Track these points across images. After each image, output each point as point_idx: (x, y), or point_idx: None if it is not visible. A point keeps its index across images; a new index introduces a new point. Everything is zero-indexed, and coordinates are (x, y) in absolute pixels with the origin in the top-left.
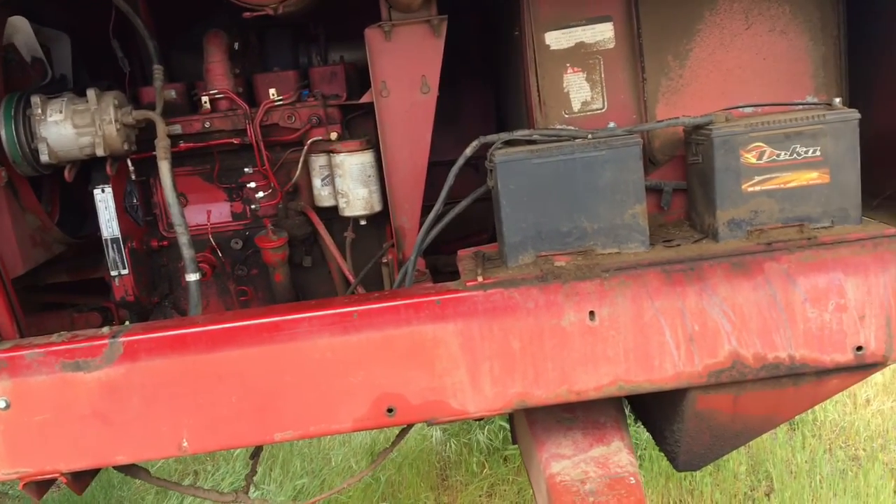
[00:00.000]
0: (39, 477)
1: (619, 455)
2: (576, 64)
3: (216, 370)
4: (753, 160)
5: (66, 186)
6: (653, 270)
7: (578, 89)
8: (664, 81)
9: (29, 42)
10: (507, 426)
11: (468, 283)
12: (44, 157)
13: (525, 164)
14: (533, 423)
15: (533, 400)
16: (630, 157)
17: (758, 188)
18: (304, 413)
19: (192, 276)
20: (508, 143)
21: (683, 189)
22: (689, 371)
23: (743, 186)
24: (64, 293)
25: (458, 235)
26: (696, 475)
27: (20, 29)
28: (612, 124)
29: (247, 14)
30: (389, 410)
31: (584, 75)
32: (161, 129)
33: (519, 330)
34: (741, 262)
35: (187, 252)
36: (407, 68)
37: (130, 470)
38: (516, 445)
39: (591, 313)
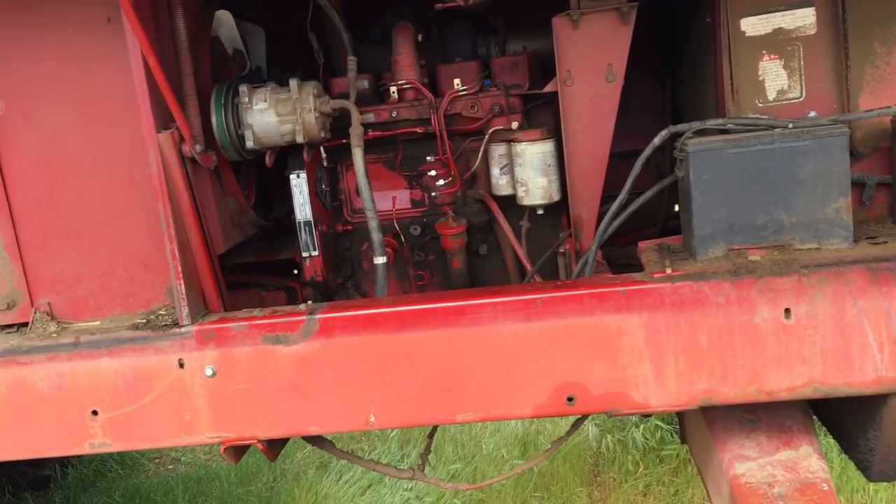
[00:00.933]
0: (239, 442)
1: (809, 460)
2: (773, 51)
3: (403, 350)
4: None
5: (260, 173)
6: (857, 268)
7: (775, 77)
8: (869, 69)
9: (232, 35)
10: (664, 426)
11: (655, 275)
12: (249, 143)
13: (720, 154)
14: (712, 422)
15: (720, 398)
16: (836, 148)
17: None
18: (486, 396)
19: (380, 259)
20: (699, 133)
21: (888, 184)
22: (892, 376)
23: None
24: (248, 273)
25: (629, 228)
26: (869, 489)
27: (225, 23)
28: (812, 113)
29: (438, 5)
30: (569, 399)
31: (782, 63)
32: (356, 117)
33: (708, 325)
34: None
35: (376, 236)
36: (593, 57)
37: (318, 441)
38: (682, 445)
39: (787, 311)
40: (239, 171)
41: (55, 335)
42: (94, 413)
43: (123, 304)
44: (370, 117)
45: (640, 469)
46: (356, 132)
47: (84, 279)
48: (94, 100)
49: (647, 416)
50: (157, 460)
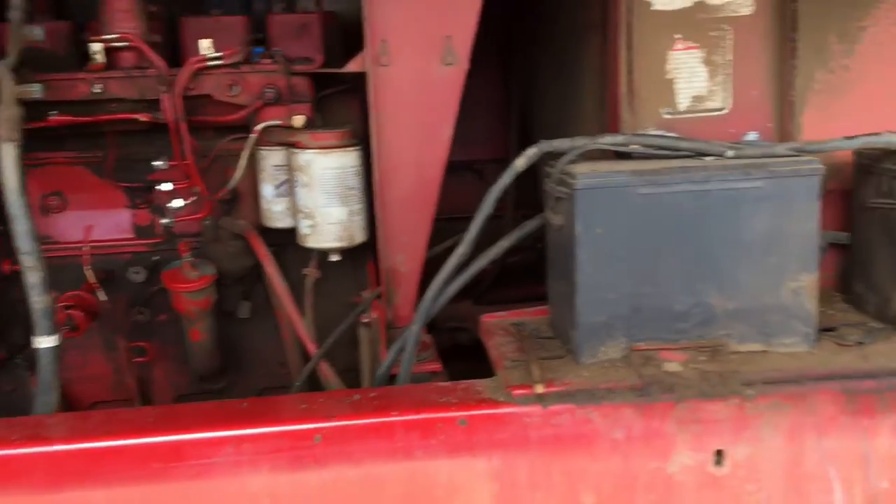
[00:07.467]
0: None
1: None
2: (689, 36)
3: None
4: None
5: None
6: (826, 388)
7: (690, 76)
8: (820, 73)
9: None
10: None
11: (515, 393)
12: None
13: (625, 193)
14: None
15: None
16: (804, 195)
17: None
18: None
19: (45, 341)
20: (585, 157)
21: (843, 245)
22: None
23: None
24: None
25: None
26: None
27: None
28: (753, 135)
29: None
30: None
31: (702, 54)
32: (6, 91)
33: (596, 475)
34: None
35: (39, 299)
36: (424, 24)
37: None
38: None
39: (719, 453)
40: None
41: None
42: None
43: None
44: (38, 89)
45: None
46: (5, 115)
47: None
48: None
49: None
50: None
